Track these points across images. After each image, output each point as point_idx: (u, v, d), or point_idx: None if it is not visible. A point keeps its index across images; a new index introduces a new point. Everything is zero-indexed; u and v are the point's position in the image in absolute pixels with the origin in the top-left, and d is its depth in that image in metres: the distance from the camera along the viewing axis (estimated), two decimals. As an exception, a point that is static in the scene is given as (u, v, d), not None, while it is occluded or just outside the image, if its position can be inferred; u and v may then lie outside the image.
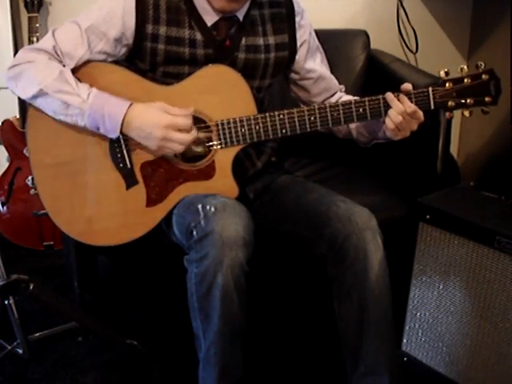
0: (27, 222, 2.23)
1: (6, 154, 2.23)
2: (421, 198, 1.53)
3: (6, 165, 2.25)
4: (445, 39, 2.51)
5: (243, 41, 1.42)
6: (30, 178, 2.20)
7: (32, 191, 2.20)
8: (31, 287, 1.59)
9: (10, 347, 1.64)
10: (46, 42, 1.37)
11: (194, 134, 1.32)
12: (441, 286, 1.52)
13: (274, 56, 1.47)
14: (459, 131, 2.59)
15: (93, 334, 1.77)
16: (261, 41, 1.44)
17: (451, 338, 1.52)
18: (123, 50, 1.40)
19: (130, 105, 1.32)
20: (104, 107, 1.32)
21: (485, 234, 1.38)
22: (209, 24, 1.39)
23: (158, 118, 1.31)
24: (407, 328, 1.62)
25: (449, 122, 1.68)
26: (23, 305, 1.67)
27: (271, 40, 1.46)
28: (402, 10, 2.40)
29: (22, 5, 2.18)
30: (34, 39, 2.11)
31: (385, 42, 2.34)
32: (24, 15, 2.19)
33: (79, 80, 1.36)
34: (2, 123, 2.19)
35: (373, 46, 2.22)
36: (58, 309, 1.74)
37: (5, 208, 2.24)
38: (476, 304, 1.45)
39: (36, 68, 1.35)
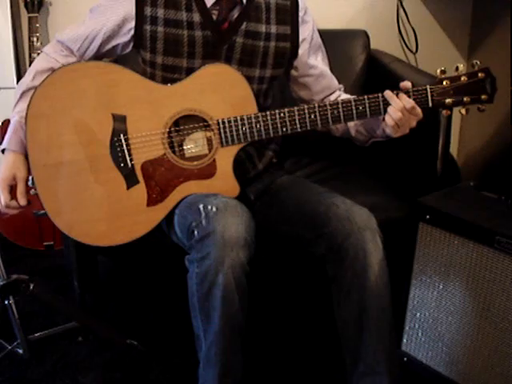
0: (27, 221, 2.22)
1: (6, 153, 2.22)
2: (421, 197, 1.53)
3: (6, 165, 2.24)
4: (445, 39, 2.51)
5: (244, 25, 1.43)
6: (30, 177, 2.19)
7: (32, 191, 2.17)
8: (31, 287, 1.59)
9: (10, 347, 1.64)
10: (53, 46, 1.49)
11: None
12: (441, 286, 1.52)
13: (274, 45, 1.47)
14: (459, 131, 2.59)
15: (93, 333, 1.77)
16: (263, 28, 1.45)
17: (451, 338, 1.52)
18: (128, 37, 1.43)
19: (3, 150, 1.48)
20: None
21: (485, 234, 1.38)
22: (208, 4, 1.39)
23: None
24: (407, 328, 1.62)
25: (449, 121, 1.68)
26: (23, 305, 1.67)
27: (273, 29, 1.46)
28: (401, 10, 2.40)
29: (22, 5, 2.17)
30: (34, 39, 2.10)
31: (385, 42, 2.33)
32: (24, 15, 2.19)
33: None
34: (2, 123, 2.18)
35: (373, 46, 2.21)
36: (58, 309, 1.75)
37: (5, 208, 2.24)
38: (476, 304, 1.45)
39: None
